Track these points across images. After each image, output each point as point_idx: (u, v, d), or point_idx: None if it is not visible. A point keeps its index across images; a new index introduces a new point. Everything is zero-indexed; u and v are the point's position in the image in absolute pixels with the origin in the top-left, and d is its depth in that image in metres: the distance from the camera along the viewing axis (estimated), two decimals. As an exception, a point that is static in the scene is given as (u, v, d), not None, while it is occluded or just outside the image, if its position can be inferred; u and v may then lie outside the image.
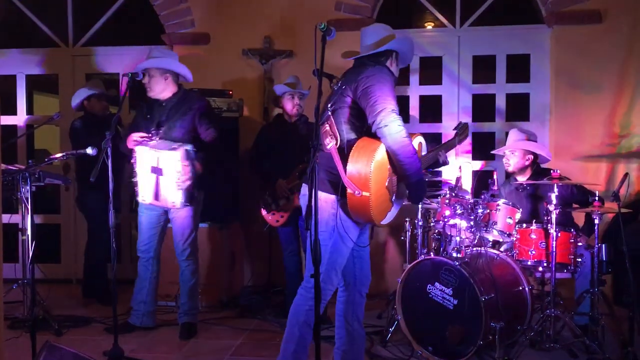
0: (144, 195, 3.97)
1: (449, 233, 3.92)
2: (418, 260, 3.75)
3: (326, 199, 2.84)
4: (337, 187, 2.78)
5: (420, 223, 4.16)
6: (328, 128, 2.84)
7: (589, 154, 5.12)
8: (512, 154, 4.29)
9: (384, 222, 2.92)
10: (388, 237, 5.48)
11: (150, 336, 4.17)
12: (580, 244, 3.89)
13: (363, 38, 3.10)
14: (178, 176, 3.78)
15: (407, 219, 4.32)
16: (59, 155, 3.76)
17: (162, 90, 4.06)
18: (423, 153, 3.13)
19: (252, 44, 5.48)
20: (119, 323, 4.12)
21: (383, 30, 3.06)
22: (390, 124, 2.70)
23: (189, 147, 3.86)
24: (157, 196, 3.92)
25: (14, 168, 3.96)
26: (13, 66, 5.94)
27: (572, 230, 3.84)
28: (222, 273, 4.92)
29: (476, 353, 3.43)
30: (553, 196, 3.66)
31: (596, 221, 3.69)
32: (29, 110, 6.03)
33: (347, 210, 2.82)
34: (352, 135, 2.85)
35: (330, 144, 2.81)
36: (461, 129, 3.44)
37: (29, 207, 3.58)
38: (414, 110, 5.62)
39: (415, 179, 2.82)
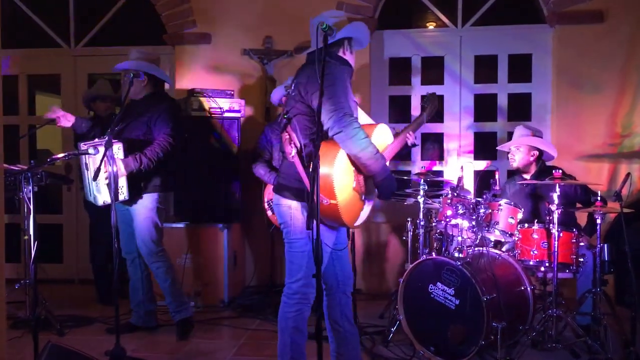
0: (86, 191, 3.92)
1: (450, 233, 3.92)
2: (420, 260, 3.74)
3: (297, 207, 2.81)
4: (304, 194, 2.72)
5: (422, 223, 4.15)
6: (288, 136, 2.79)
7: (591, 153, 5.12)
8: (517, 150, 4.30)
9: (359, 222, 2.89)
10: (390, 237, 5.48)
11: (151, 336, 4.17)
12: (582, 244, 3.89)
13: (312, 30, 2.86)
14: (100, 174, 3.62)
15: (409, 219, 4.31)
16: (61, 155, 3.75)
17: (139, 91, 4.06)
18: (389, 141, 3.06)
19: (253, 44, 5.48)
20: (121, 323, 4.14)
21: (331, 18, 2.85)
22: (345, 129, 2.62)
23: (116, 146, 3.74)
24: (90, 193, 3.87)
25: (16, 168, 3.96)
26: (15, 66, 5.95)
27: (574, 230, 3.84)
28: (223, 273, 4.92)
29: (478, 353, 3.43)
30: (555, 196, 3.65)
31: (598, 221, 3.68)
32: (31, 110, 6.04)
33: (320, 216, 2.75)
34: (307, 141, 2.76)
35: (292, 152, 2.75)
36: (427, 101, 3.35)
37: (31, 207, 3.58)
38: (416, 110, 5.61)
39: (381, 177, 2.78)
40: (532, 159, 4.28)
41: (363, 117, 3.05)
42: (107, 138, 3.50)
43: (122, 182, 3.79)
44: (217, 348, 3.92)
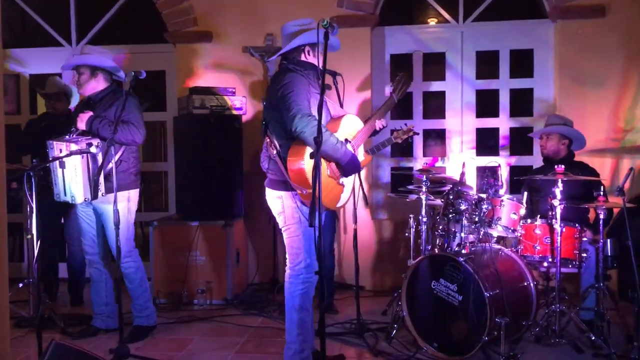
0: (58, 190, 3.78)
1: (453, 229, 3.92)
2: (422, 256, 3.75)
3: (285, 196, 3.18)
4: (289, 184, 3.12)
5: (424, 219, 4.15)
6: (268, 139, 3.20)
7: (593, 148, 5.10)
8: (549, 138, 4.35)
9: (341, 203, 3.35)
10: (392, 234, 5.48)
11: (155, 334, 4.18)
12: (585, 239, 3.88)
13: (282, 34, 3.31)
14: (75, 171, 3.62)
15: (411, 216, 4.31)
16: (63, 154, 3.74)
17: (93, 87, 4.01)
18: (359, 127, 3.41)
19: (254, 41, 5.48)
20: (83, 327, 4.18)
21: (293, 27, 3.25)
22: (306, 129, 2.95)
23: (93, 141, 3.68)
24: (65, 192, 3.76)
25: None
26: (18, 65, 5.95)
27: (576, 225, 3.83)
28: (226, 271, 4.93)
29: (481, 349, 3.43)
30: (557, 191, 3.65)
31: (601, 216, 3.68)
32: (33, 110, 6.05)
33: (305, 202, 3.15)
34: (282, 142, 3.15)
35: (273, 152, 3.17)
36: (398, 82, 3.57)
37: (34, 206, 3.58)
38: (418, 106, 5.60)
39: (344, 162, 3.14)
40: (562, 146, 4.34)
41: (338, 110, 3.44)
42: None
43: (101, 179, 3.68)
44: (221, 345, 3.93)
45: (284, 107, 3.05)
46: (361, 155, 3.43)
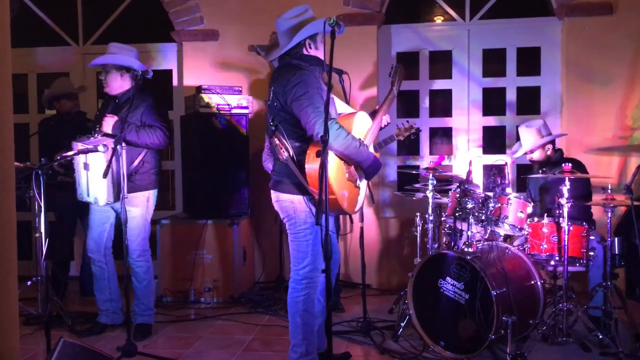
0: (81, 191, 3.84)
1: (460, 227, 3.91)
2: (429, 255, 3.74)
3: (299, 200, 3.05)
4: (303, 188, 2.99)
5: (431, 218, 4.15)
6: (278, 142, 3.05)
7: (601, 146, 5.08)
8: (532, 152, 4.33)
9: (359, 207, 3.24)
10: (399, 232, 5.47)
11: (161, 332, 4.19)
12: (592, 237, 3.87)
13: (278, 29, 3.14)
14: (102, 172, 3.59)
15: (418, 214, 4.31)
16: (70, 152, 3.77)
17: (118, 86, 4.01)
18: (369, 125, 3.28)
19: (260, 40, 5.48)
20: (89, 325, 4.20)
21: (288, 20, 3.10)
22: (330, 133, 2.77)
23: (109, 143, 3.67)
24: (88, 193, 3.80)
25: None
26: (24, 65, 5.98)
27: (583, 223, 3.82)
28: (233, 269, 4.94)
29: (488, 347, 3.43)
30: (565, 189, 3.64)
31: (608, 214, 3.66)
32: (40, 109, 6.07)
33: None
34: (298, 144, 3.02)
35: (284, 155, 3.03)
36: (394, 75, 3.52)
37: (42, 205, 3.60)
38: (424, 104, 5.60)
39: (367, 164, 3.06)
40: (549, 152, 4.31)
41: (343, 107, 3.35)
42: (118, 136, 3.53)
43: (124, 181, 3.67)
44: (227, 344, 3.94)
45: (299, 110, 2.91)
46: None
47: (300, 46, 3.08)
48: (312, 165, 2.92)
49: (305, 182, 2.95)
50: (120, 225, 3.98)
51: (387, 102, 3.42)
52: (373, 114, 3.37)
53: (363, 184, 3.25)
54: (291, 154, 3.00)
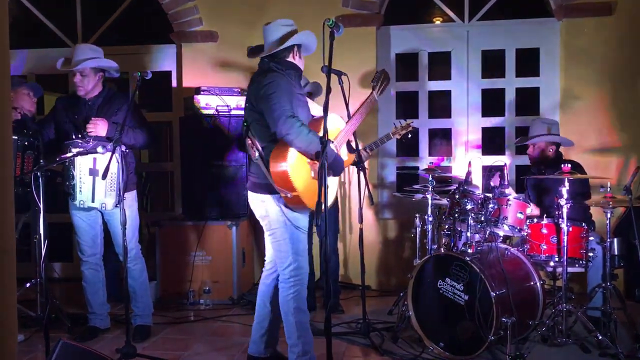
0: (83, 197, 3.79)
1: (459, 229, 3.91)
2: (428, 256, 3.74)
3: (269, 199, 3.16)
4: (273, 188, 3.09)
5: (430, 219, 4.15)
6: (250, 142, 3.16)
7: (600, 148, 5.09)
8: (535, 146, 4.35)
9: (327, 203, 3.23)
10: (398, 233, 5.47)
11: (161, 334, 4.19)
12: (591, 238, 3.87)
13: (266, 36, 3.27)
14: (113, 177, 3.65)
15: (417, 215, 4.31)
16: (69, 154, 3.76)
17: (94, 89, 3.98)
18: (341, 126, 3.34)
19: (259, 41, 5.43)
20: (82, 328, 4.15)
21: (283, 27, 3.24)
22: (290, 130, 2.94)
23: (123, 147, 3.69)
24: (93, 198, 3.78)
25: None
26: (23, 66, 5.98)
27: (583, 224, 3.82)
28: (232, 270, 4.94)
29: (487, 348, 3.43)
30: (564, 190, 3.64)
31: (607, 215, 3.66)
32: (40, 110, 6.06)
33: (289, 205, 3.14)
34: (265, 144, 3.12)
35: (255, 155, 3.14)
36: (377, 79, 3.55)
37: (41, 206, 3.59)
38: (423, 105, 5.60)
39: (330, 161, 3.05)
40: (550, 152, 4.32)
41: (317, 109, 3.44)
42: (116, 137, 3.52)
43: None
44: (226, 345, 3.94)
45: (266, 109, 3.02)
46: (344, 155, 3.41)
47: (288, 52, 3.21)
48: (276, 164, 3.04)
49: (272, 180, 3.05)
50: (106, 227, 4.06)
51: (365, 106, 3.41)
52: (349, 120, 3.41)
53: (333, 184, 3.34)
54: (260, 153, 3.11)
